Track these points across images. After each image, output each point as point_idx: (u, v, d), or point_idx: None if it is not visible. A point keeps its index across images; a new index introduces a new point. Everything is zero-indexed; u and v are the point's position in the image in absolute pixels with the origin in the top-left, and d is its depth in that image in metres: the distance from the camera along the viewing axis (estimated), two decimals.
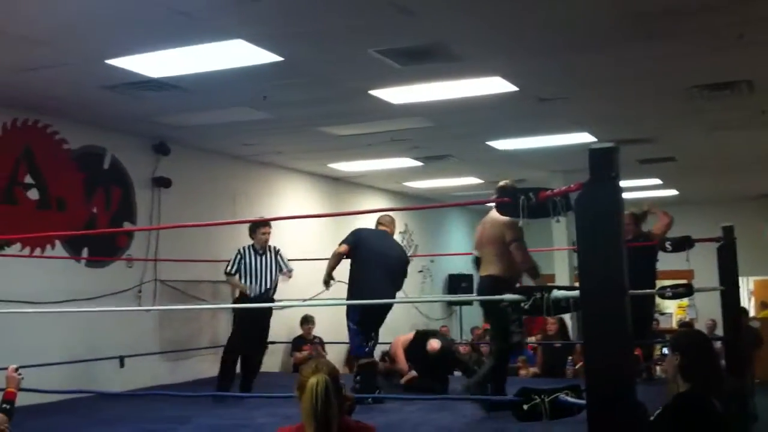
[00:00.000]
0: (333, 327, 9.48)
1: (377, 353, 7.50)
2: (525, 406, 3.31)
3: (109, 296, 7.65)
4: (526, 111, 7.57)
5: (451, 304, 14.89)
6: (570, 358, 8.98)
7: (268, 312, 7.25)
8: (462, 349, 10.83)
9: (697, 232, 7.07)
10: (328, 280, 6.73)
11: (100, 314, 7.25)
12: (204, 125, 7.91)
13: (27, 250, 7.07)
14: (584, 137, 8.60)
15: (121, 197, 8.15)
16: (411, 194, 13.53)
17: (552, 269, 11.54)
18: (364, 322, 6.64)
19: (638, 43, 5.54)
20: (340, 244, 6.81)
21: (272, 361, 9.36)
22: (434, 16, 4.95)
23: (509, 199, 3.41)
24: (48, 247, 7.28)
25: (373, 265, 6.62)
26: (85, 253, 7.66)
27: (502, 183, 5.54)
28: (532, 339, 9.82)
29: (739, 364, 5.93)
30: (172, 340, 8.54)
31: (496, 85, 6.58)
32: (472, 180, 12.01)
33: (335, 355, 9.67)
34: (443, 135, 8.72)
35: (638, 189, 12.63)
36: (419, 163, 10.46)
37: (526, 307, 3.40)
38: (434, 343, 7.35)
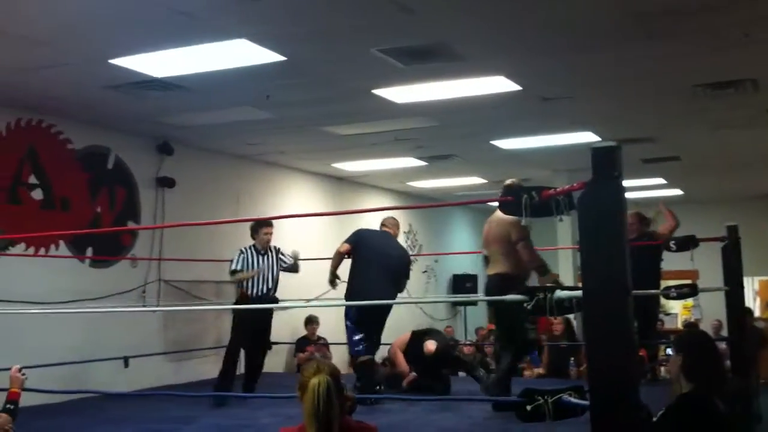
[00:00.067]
0: (337, 327, 9.42)
1: (378, 358, 7.50)
2: (528, 407, 3.29)
3: (113, 296, 7.66)
4: (530, 110, 7.56)
5: (455, 304, 14.87)
6: (572, 359, 8.96)
7: (269, 313, 7.23)
8: (466, 349, 10.85)
9: (701, 231, 7.02)
10: (333, 279, 6.81)
11: (104, 314, 7.26)
12: (207, 125, 7.92)
13: (31, 250, 7.08)
14: (588, 137, 8.59)
15: (125, 197, 8.16)
16: (415, 194, 13.52)
17: (556, 268, 11.51)
18: (361, 320, 6.67)
19: (642, 42, 5.53)
20: (342, 244, 6.87)
21: (276, 361, 9.36)
22: (436, 15, 4.95)
23: (512, 198, 3.39)
24: (52, 246, 7.30)
25: (373, 265, 6.65)
26: (89, 252, 7.67)
27: (508, 182, 5.53)
28: None
29: (744, 365, 5.90)
30: (176, 340, 8.55)
31: (499, 84, 6.57)
32: (476, 180, 12.00)
33: (340, 355, 9.65)
34: (447, 134, 8.71)
35: (643, 189, 12.60)
36: (423, 163, 10.45)
37: (529, 307, 3.38)
38: (430, 345, 7.31)
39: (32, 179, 7.18)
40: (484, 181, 12.03)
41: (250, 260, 7.12)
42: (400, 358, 7.55)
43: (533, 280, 5.95)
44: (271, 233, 7.17)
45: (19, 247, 6.97)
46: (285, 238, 7.36)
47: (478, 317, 14.96)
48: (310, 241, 9.98)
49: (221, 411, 6.49)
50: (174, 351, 8.46)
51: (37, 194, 7.22)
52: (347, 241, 6.88)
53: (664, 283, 6.77)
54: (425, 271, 13.93)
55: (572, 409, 3.21)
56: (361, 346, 6.67)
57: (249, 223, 7.39)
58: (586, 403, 3.04)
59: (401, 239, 8.25)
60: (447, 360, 7.51)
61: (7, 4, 4.62)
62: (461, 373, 8.10)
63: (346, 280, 6.83)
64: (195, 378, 8.39)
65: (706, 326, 11.85)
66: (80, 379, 6.88)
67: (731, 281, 6.11)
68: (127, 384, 7.37)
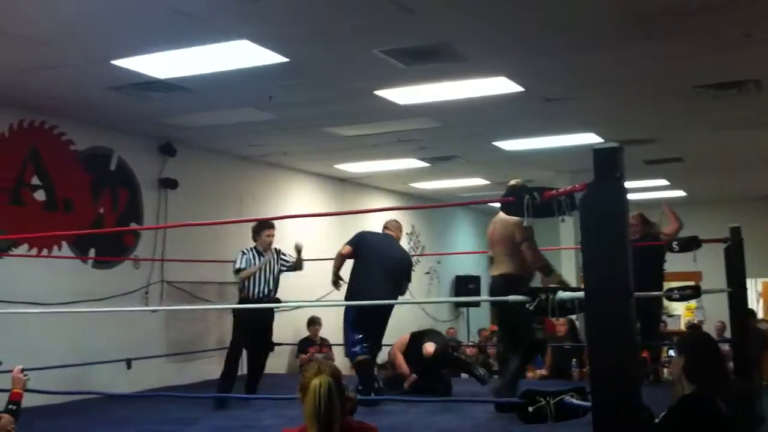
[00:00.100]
0: (340, 328, 9.43)
1: (379, 360, 7.49)
2: (530, 408, 3.29)
3: (116, 297, 7.66)
4: (532, 111, 7.56)
5: (458, 305, 14.87)
6: (575, 360, 8.94)
7: (270, 314, 7.22)
8: (469, 351, 10.85)
9: (705, 232, 7.02)
10: (335, 280, 6.86)
11: (106, 315, 7.27)
12: (210, 126, 7.92)
13: (34, 251, 7.08)
14: (590, 138, 8.58)
15: (128, 198, 8.17)
16: (417, 195, 13.52)
17: (559, 269, 11.48)
18: (359, 322, 6.70)
19: (643, 42, 5.53)
20: (343, 246, 6.91)
21: (278, 362, 9.36)
22: (437, 16, 4.94)
23: (514, 199, 3.39)
24: (55, 247, 7.30)
25: (374, 267, 6.67)
26: (92, 254, 7.68)
27: (512, 182, 5.52)
28: None
29: (747, 366, 5.89)
30: (178, 341, 8.56)
31: (501, 85, 6.57)
32: (479, 181, 12.00)
33: (342, 356, 9.64)
34: (449, 135, 8.71)
35: (645, 190, 12.58)
36: (426, 164, 10.45)
37: (531, 308, 3.38)
38: (429, 347, 7.30)
39: (35, 180, 7.19)
40: (487, 182, 12.03)
41: (252, 261, 7.11)
42: (400, 360, 7.55)
43: (536, 281, 5.97)
44: (273, 235, 7.14)
45: (22, 248, 6.98)
46: (288, 239, 7.34)
47: (480, 318, 14.96)
48: (313, 242, 9.98)
49: (223, 412, 6.49)
50: (176, 353, 8.46)
51: (40, 195, 7.23)
52: (349, 243, 6.92)
53: (667, 285, 6.77)
54: (428, 273, 13.93)
55: (574, 411, 3.20)
56: (357, 348, 6.68)
57: (251, 225, 7.37)
58: (588, 404, 3.03)
59: (404, 241, 8.25)
60: (446, 361, 7.50)
61: (8, 5, 4.63)
62: (464, 375, 8.10)
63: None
64: (198, 379, 8.40)
65: (709, 328, 11.80)
66: (82, 380, 6.88)
67: (734, 283, 6.09)
68: (130, 385, 7.37)
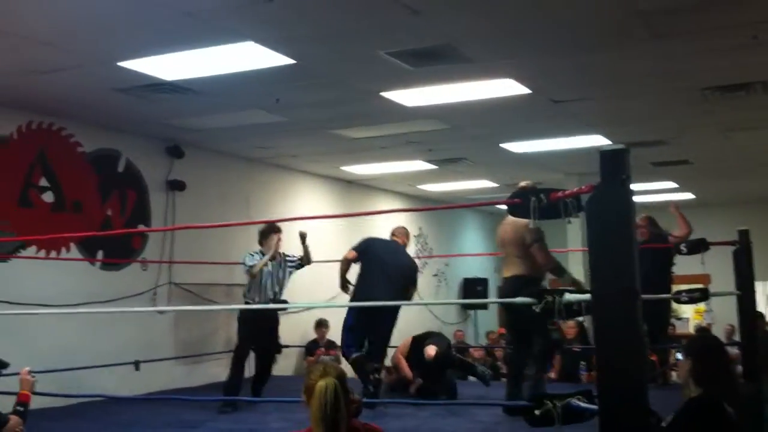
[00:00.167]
0: None
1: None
2: (537, 412, 3.28)
3: (124, 299, 7.68)
4: (540, 113, 7.55)
5: (466, 308, 14.85)
6: (583, 363, 8.90)
7: (274, 320, 7.20)
8: (476, 353, 10.83)
9: (713, 235, 6.98)
10: (343, 285, 6.90)
11: (115, 317, 7.28)
12: (217, 128, 7.94)
13: (42, 253, 7.10)
14: (598, 140, 8.56)
15: (136, 200, 8.19)
16: (425, 197, 13.52)
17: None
18: (355, 326, 6.77)
19: (651, 43, 5.51)
20: (349, 251, 6.94)
21: (286, 364, 9.37)
22: (444, 17, 4.94)
23: (520, 201, 3.38)
24: (63, 249, 7.32)
25: (377, 272, 6.69)
26: (100, 255, 7.69)
27: (522, 184, 5.53)
28: None
29: (756, 370, 5.85)
30: (186, 343, 8.57)
31: (508, 87, 6.56)
32: (487, 183, 11.99)
33: None
34: (457, 137, 8.70)
35: (653, 192, 12.55)
36: (433, 166, 10.44)
37: (537, 310, 3.37)
38: (430, 350, 7.28)
39: (43, 182, 7.21)
40: (495, 184, 12.02)
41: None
42: (403, 364, 7.56)
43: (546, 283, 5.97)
44: (280, 240, 7.12)
45: (30, 250, 7.00)
46: (295, 240, 7.34)
47: (488, 321, 14.94)
48: (320, 244, 9.99)
49: (231, 415, 6.48)
50: (185, 355, 8.47)
51: (48, 197, 7.25)
52: (354, 248, 6.95)
53: (675, 287, 6.75)
54: (436, 275, 13.92)
55: (581, 414, 3.19)
56: (351, 350, 6.73)
57: (258, 228, 7.36)
58: (595, 407, 3.02)
59: (412, 243, 8.24)
60: (449, 363, 7.49)
61: (15, 7, 4.64)
62: (471, 378, 8.08)
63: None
64: (206, 381, 8.41)
65: (718, 331, 11.76)
66: (90, 382, 6.89)
67: (743, 286, 6.06)
68: (138, 387, 7.38)
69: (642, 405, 2.79)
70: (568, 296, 3.28)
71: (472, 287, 14.60)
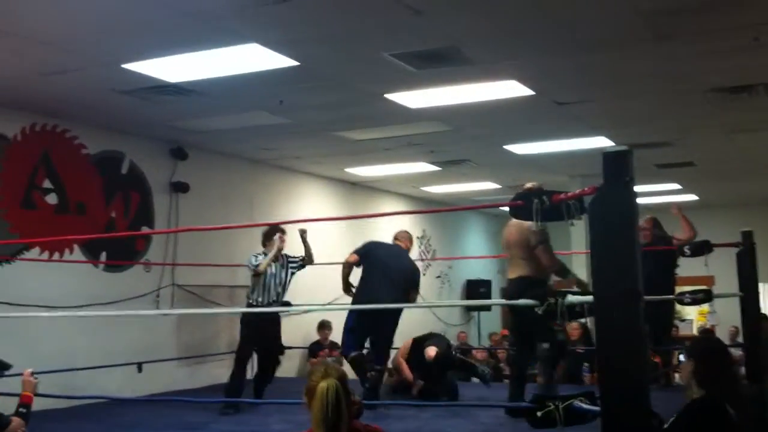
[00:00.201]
0: None
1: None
2: (539, 413, 3.27)
3: (127, 301, 7.69)
4: (543, 115, 7.54)
5: (469, 309, 14.85)
6: (586, 364, 8.88)
7: (277, 319, 7.20)
8: (479, 355, 10.82)
9: (717, 236, 6.98)
10: (346, 288, 6.92)
11: (118, 318, 7.29)
12: (221, 130, 7.95)
13: (46, 255, 7.11)
14: (602, 141, 8.56)
15: (140, 202, 8.20)
16: (428, 199, 13.51)
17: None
18: (356, 328, 6.80)
19: (654, 45, 5.50)
20: (350, 254, 6.97)
21: (289, 366, 9.36)
22: (447, 19, 4.94)
23: (522, 203, 3.37)
24: (66, 251, 7.33)
25: (378, 275, 6.72)
26: (103, 257, 7.71)
27: (528, 185, 5.52)
28: None
29: (759, 371, 5.85)
30: (189, 344, 8.58)
31: (512, 88, 6.56)
32: (491, 185, 11.98)
33: None
34: (460, 139, 8.70)
35: (658, 194, 12.53)
36: (437, 168, 10.44)
37: (540, 312, 3.37)
38: (430, 351, 7.30)
39: (47, 184, 7.22)
40: (499, 186, 12.01)
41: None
42: (404, 366, 7.57)
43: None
44: (284, 240, 7.11)
45: (34, 252, 7.01)
46: (298, 241, 7.34)
47: (491, 322, 14.93)
48: (324, 246, 10.00)
49: (233, 417, 6.47)
50: (187, 356, 8.48)
51: (52, 199, 7.26)
52: (356, 251, 6.98)
53: (679, 289, 6.73)
54: (439, 277, 13.91)
55: (583, 415, 3.19)
56: (350, 350, 6.77)
57: (261, 229, 7.36)
58: (598, 409, 3.02)
59: (415, 245, 8.24)
60: (449, 364, 7.49)
61: (19, 9, 4.65)
62: (475, 379, 8.07)
63: None
64: (209, 382, 8.40)
65: (722, 332, 11.74)
66: (93, 384, 6.90)
67: (746, 287, 6.06)
68: (141, 388, 7.39)
69: (644, 406, 2.79)
70: (571, 298, 3.28)
71: (475, 289, 14.58)
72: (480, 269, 14.99)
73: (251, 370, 7.32)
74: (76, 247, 7.42)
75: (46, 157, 7.22)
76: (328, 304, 8.28)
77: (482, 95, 6.75)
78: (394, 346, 7.32)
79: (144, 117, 7.35)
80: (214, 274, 8.80)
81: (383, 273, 6.71)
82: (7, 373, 4.53)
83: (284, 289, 7.12)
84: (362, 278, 6.87)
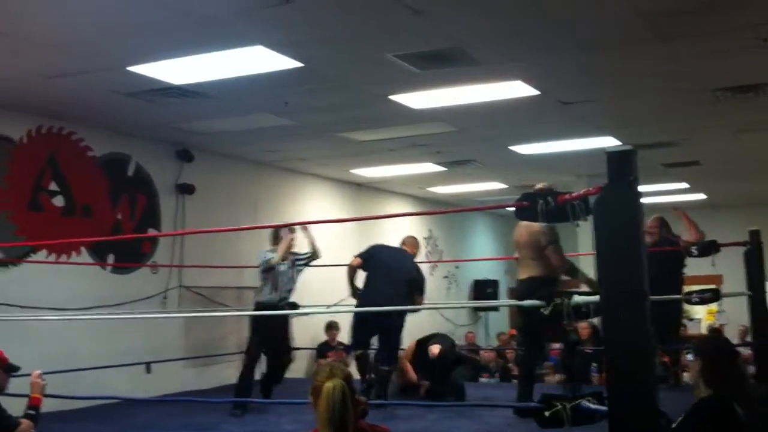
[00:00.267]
0: None
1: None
2: (547, 413, 3.27)
3: (135, 302, 7.71)
4: (548, 115, 7.53)
5: (476, 309, 14.83)
6: (594, 364, 8.86)
7: (285, 319, 7.20)
8: (487, 355, 10.81)
9: (725, 235, 6.97)
10: (353, 291, 6.98)
11: (125, 320, 7.31)
12: (226, 132, 7.96)
13: (53, 257, 7.13)
14: (609, 141, 8.53)
15: (146, 204, 8.22)
16: (435, 200, 13.50)
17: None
18: (358, 328, 6.89)
19: (660, 44, 5.49)
20: (354, 258, 7.05)
21: (297, 366, 9.33)
22: (451, 20, 4.93)
23: (527, 203, 3.37)
24: (73, 253, 7.35)
25: (380, 276, 6.81)
26: (110, 259, 7.72)
27: (539, 186, 5.52)
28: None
29: (767, 370, 5.84)
30: (197, 345, 8.59)
31: (517, 89, 6.55)
32: (497, 185, 11.96)
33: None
34: (466, 140, 8.69)
35: (665, 193, 12.49)
36: (442, 168, 10.43)
37: (546, 312, 3.37)
38: (434, 349, 7.36)
39: (53, 186, 7.24)
40: (505, 186, 12.00)
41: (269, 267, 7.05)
42: (408, 368, 7.61)
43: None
44: (293, 239, 7.12)
45: (41, 254, 7.03)
46: (304, 243, 7.35)
47: (499, 322, 14.91)
48: (330, 247, 10.01)
49: (242, 418, 6.46)
50: (195, 357, 8.49)
51: (59, 201, 7.28)
52: (359, 254, 7.07)
53: (687, 289, 6.72)
54: (446, 277, 13.90)
55: (591, 415, 3.18)
56: (354, 347, 6.99)
57: (268, 231, 7.36)
58: (605, 409, 3.01)
59: (422, 245, 8.25)
60: (454, 361, 7.51)
61: (24, 11, 4.66)
62: (482, 379, 8.07)
63: None
64: (217, 383, 8.41)
65: (731, 331, 11.71)
66: (101, 385, 6.91)
67: (754, 286, 6.05)
68: (149, 389, 7.40)
69: (651, 406, 2.79)
70: (577, 298, 3.28)
71: (483, 289, 14.57)
72: (487, 269, 14.98)
73: (259, 370, 7.32)
74: (83, 249, 7.44)
75: (53, 159, 7.24)
76: (334, 305, 8.28)
77: (487, 96, 6.74)
78: (403, 346, 7.34)
79: (149, 119, 7.36)
80: (221, 275, 8.82)
81: (384, 274, 6.79)
82: (15, 375, 4.54)
83: (291, 288, 7.13)
84: (365, 281, 6.95)
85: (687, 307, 10.44)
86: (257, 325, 7.01)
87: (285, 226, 7.34)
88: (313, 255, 7.32)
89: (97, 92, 6.45)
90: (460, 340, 11.66)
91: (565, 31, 5.23)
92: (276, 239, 7.12)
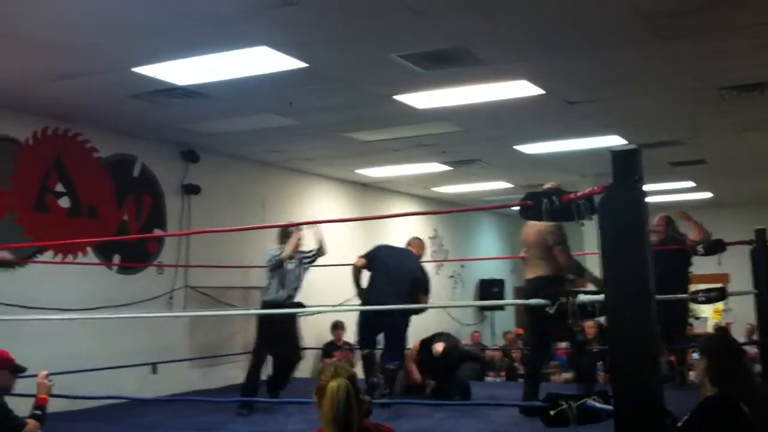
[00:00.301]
0: None
1: None
2: (552, 412, 3.27)
3: (141, 303, 7.72)
4: (554, 114, 7.52)
5: (482, 309, 14.83)
6: (600, 363, 8.84)
7: (293, 319, 7.19)
8: (494, 354, 10.81)
9: (731, 234, 6.96)
10: (359, 292, 7.02)
11: (131, 320, 7.32)
12: (232, 132, 7.97)
13: (59, 257, 7.15)
14: (614, 140, 8.52)
15: (152, 204, 8.23)
16: (440, 199, 13.50)
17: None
18: (362, 328, 6.98)
19: (666, 43, 5.47)
20: (358, 258, 7.09)
21: (303, 366, 9.30)
22: (455, 19, 4.93)
23: (531, 203, 3.36)
24: (79, 254, 7.37)
25: (382, 276, 6.86)
26: (116, 259, 7.74)
27: (547, 185, 5.52)
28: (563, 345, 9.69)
29: None
30: (203, 345, 8.60)
31: (522, 88, 6.54)
32: (502, 184, 11.95)
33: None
34: (471, 139, 8.69)
35: (672, 192, 12.47)
36: (448, 168, 10.42)
37: (551, 311, 3.37)
38: (438, 346, 7.39)
39: (59, 187, 7.26)
40: (511, 185, 11.98)
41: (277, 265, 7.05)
42: (413, 368, 7.62)
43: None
44: (301, 238, 7.13)
45: (47, 255, 7.05)
46: (309, 243, 7.36)
47: (505, 322, 14.90)
48: (336, 247, 10.01)
49: (248, 417, 6.47)
50: (201, 357, 8.50)
51: (65, 202, 7.30)
52: (363, 255, 7.11)
53: (693, 287, 6.70)
54: (452, 276, 13.90)
55: (596, 414, 3.18)
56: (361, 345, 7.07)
57: (275, 230, 7.36)
58: (611, 408, 3.01)
59: (427, 245, 8.24)
60: (458, 357, 7.51)
61: (29, 13, 4.68)
62: (488, 378, 8.07)
63: None
64: (223, 383, 8.42)
65: (738, 330, 11.68)
66: (107, 385, 6.92)
67: (760, 284, 6.04)
68: (155, 389, 7.41)
69: (657, 405, 2.78)
70: (582, 297, 3.27)
71: (489, 288, 14.56)
72: (493, 268, 14.96)
73: (265, 371, 7.32)
74: (89, 250, 7.46)
75: (59, 160, 7.26)
76: (340, 305, 8.29)
77: (492, 95, 6.73)
78: (408, 347, 7.35)
79: (155, 120, 7.38)
80: (227, 275, 8.83)
81: (385, 274, 6.84)
82: (22, 375, 4.56)
83: (298, 287, 7.14)
84: (368, 280, 7.01)
85: (693, 305, 10.42)
86: (264, 324, 7.01)
87: (291, 225, 7.36)
88: (319, 251, 7.34)
89: (103, 93, 6.46)
90: (466, 340, 11.67)
91: (570, 30, 5.22)
92: (283, 238, 7.13)
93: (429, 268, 7.69)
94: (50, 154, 7.20)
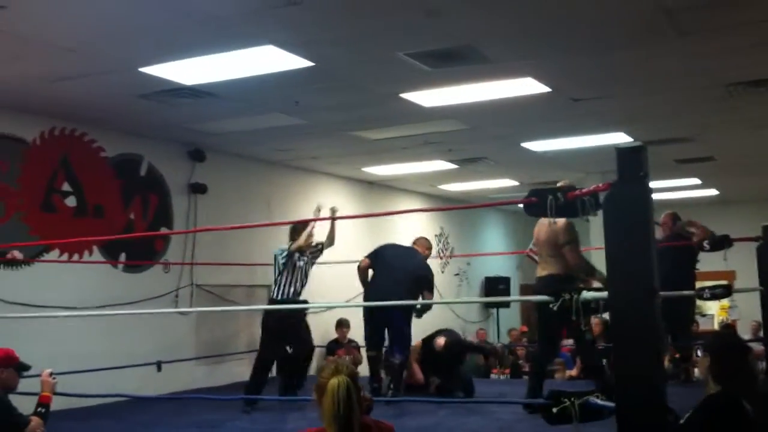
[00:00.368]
0: None
1: None
2: (554, 409, 3.27)
3: (147, 301, 7.74)
4: (560, 112, 7.51)
5: (488, 306, 14.83)
6: (605, 360, 8.82)
7: (299, 316, 7.19)
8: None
9: (738, 231, 6.94)
10: (365, 291, 7.07)
11: (137, 319, 7.34)
12: (238, 131, 7.98)
13: (65, 256, 7.18)
14: (620, 137, 8.50)
15: (158, 204, 8.26)
16: (446, 197, 13.49)
17: None
18: (366, 326, 7.06)
19: (673, 39, 5.45)
20: (362, 259, 7.16)
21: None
22: (462, 18, 4.93)
23: (536, 199, 3.37)
24: (86, 252, 7.39)
25: (384, 274, 6.93)
26: (122, 258, 7.76)
27: (560, 183, 5.51)
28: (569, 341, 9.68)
29: None
30: (208, 343, 8.63)
31: (528, 86, 6.53)
32: (508, 182, 11.95)
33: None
34: (477, 137, 8.68)
35: (678, 189, 12.44)
36: (454, 166, 10.42)
37: (554, 308, 3.37)
38: (439, 341, 7.43)
39: (66, 187, 7.29)
40: (517, 183, 11.97)
41: (290, 259, 7.03)
42: (416, 369, 7.63)
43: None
44: (311, 234, 7.12)
45: (54, 254, 7.08)
46: (320, 236, 7.38)
47: (510, 319, 14.90)
48: (342, 245, 10.02)
49: (252, 415, 6.49)
50: (206, 356, 8.52)
51: (71, 201, 7.33)
52: (367, 255, 7.19)
53: (699, 284, 6.68)
54: (457, 274, 13.89)
55: (599, 412, 3.18)
56: (367, 346, 7.11)
57: (282, 229, 7.37)
58: (613, 405, 3.01)
59: (433, 242, 8.26)
60: (460, 351, 7.52)
61: (37, 14, 4.70)
62: (493, 375, 8.07)
63: None
64: (227, 381, 8.45)
65: (744, 327, 11.65)
66: (113, 383, 6.93)
67: (767, 282, 6.01)
68: (160, 387, 7.44)
69: (659, 403, 2.78)
70: (585, 294, 3.27)
71: (494, 286, 14.56)
72: (499, 266, 14.95)
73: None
74: (95, 248, 7.48)
75: (65, 160, 7.29)
76: (346, 302, 8.30)
77: (498, 93, 6.73)
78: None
79: (161, 120, 7.40)
80: (232, 273, 8.84)
81: (388, 272, 6.90)
82: (26, 373, 4.58)
83: (305, 283, 7.14)
84: (371, 280, 7.05)
85: (699, 302, 10.39)
86: (267, 327, 6.99)
87: (295, 222, 7.37)
88: (326, 243, 7.38)
89: (109, 94, 6.48)
90: (471, 337, 11.66)
91: (576, 28, 5.21)
92: (294, 235, 7.13)
93: (434, 266, 7.68)
94: (57, 154, 7.23)
